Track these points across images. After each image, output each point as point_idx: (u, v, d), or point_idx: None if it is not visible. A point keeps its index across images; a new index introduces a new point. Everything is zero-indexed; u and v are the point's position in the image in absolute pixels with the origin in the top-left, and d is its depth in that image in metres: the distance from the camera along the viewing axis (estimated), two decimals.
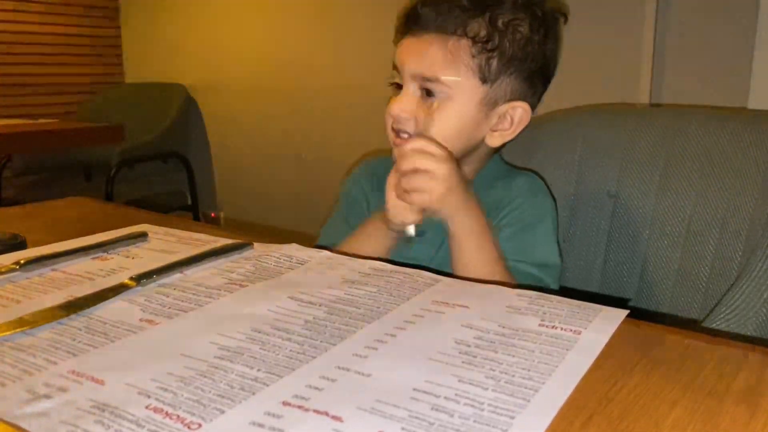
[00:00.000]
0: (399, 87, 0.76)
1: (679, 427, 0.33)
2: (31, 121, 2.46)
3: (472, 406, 0.34)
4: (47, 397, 0.35)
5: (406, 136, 0.74)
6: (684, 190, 0.83)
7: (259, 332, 0.43)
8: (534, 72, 0.75)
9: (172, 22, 3.23)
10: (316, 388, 0.36)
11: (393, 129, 0.76)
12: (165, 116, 2.91)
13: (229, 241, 0.63)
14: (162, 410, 0.33)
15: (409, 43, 0.74)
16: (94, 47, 3.29)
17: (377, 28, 2.50)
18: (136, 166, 2.61)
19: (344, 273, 0.56)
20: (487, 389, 0.36)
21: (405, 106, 0.74)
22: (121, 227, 0.69)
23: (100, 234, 0.66)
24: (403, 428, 0.32)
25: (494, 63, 0.72)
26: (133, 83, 3.38)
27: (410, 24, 0.74)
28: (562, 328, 0.44)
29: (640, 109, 0.76)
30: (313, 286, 0.53)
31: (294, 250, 0.62)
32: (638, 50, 1.89)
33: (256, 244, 0.64)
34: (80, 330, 0.44)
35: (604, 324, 0.45)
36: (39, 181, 2.88)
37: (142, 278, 0.52)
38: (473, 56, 0.72)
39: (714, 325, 0.67)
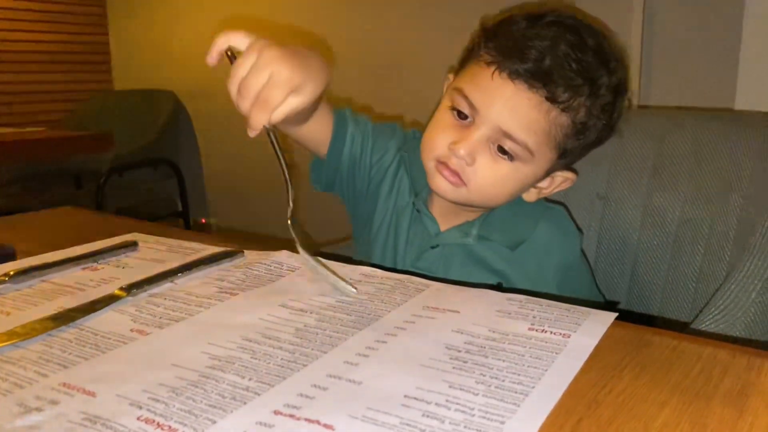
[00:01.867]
0: (457, 112, 0.68)
1: (668, 428, 0.34)
2: (19, 130, 2.45)
3: (463, 411, 0.34)
4: (38, 410, 0.35)
5: (455, 179, 0.68)
6: (673, 191, 0.84)
7: (250, 341, 0.44)
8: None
9: (160, 28, 3.22)
10: (308, 397, 0.36)
11: (440, 159, 0.69)
12: (154, 123, 2.89)
13: (219, 250, 0.63)
14: (154, 421, 0.33)
15: (506, 92, 0.65)
16: (82, 54, 3.28)
17: (366, 36, 2.52)
18: (126, 173, 2.60)
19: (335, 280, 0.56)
20: (477, 394, 0.36)
21: (474, 150, 0.67)
22: (111, 236, 0.69)
23: (90, 244, 0.66)
24: None
25: (578, 146, 0.70)
26: (122, 90, 3.37)
27: (516, 66, 0.65)
28: (551, 332, 0.45)
29: (628, 111, 0.77)
30: (304, 294, 0.53)
31: (285, 257, 0.62)
32: (626, 52, 1.90)
33: (246, 252, 0.64)
34: (71, 341, 0.44)
35: (593, 327, 0.45)
36: (28, 190, 2.86)
37: (132, 288, 0.52)
38: (566, 135, 0.68)
39: (703, 325, 0.68)
